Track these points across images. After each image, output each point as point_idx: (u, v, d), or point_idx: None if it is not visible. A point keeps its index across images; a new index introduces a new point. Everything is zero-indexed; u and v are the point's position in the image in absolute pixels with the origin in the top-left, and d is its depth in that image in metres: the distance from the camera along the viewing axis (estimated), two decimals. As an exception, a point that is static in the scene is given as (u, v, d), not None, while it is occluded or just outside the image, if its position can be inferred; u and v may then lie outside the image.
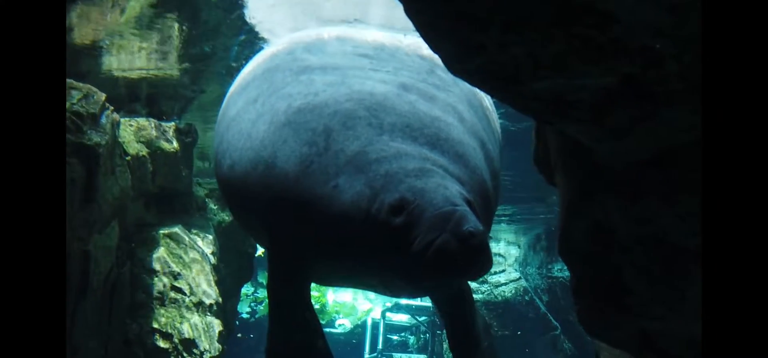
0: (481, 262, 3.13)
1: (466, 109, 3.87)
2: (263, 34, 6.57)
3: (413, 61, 3.90)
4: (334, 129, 3.41)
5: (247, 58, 5.22)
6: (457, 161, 3.43)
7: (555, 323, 15.94)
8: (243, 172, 3.68)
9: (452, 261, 3.07)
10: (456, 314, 4.15)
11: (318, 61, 3.85)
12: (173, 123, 7.22)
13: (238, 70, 4.91)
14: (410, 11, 2.33)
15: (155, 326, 5.88)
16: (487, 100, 4.47)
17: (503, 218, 14.58)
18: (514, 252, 18.36)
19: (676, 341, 3.09)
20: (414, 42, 4.19)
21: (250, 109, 3.80)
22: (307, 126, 3.46)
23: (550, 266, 15.74)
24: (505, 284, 15.56)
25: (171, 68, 7.12)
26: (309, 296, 3.87)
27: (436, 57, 3.87)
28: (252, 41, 6.64)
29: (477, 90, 4.20)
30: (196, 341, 5.84)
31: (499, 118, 4.79)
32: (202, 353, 5.86)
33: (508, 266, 16.72)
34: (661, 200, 2.68)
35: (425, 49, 4.00)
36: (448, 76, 3.94)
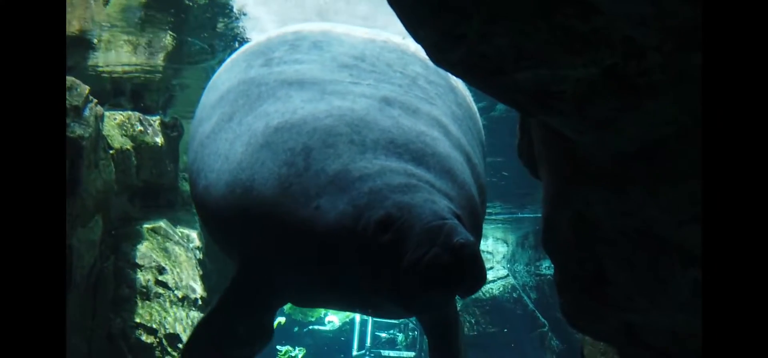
0: (474, 275, 3.01)
1: (451, 121, 3.75)
2: (250, 31, 6.55)
3: (395, 72, 3.75)
4: (313, 148, 3.28)
5: (230, 52, 5.17)
6: (443, 177, 3.33)
7: (543, 320, 15.97)
8: (220, 195, 3.53)
9: (444, 275, 2.95)
10: (442, 343, 4.01)
11: (295, 74, 3.69)
12: (158, 117, 7.18)
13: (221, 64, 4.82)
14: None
15: (139, 320, 5.83)
16: (473, 107, 4.33)
17: (491, 216, 14.59)
18: (502, 249, 18.38)
19: (660, 334, 3.08)
20: (396, 46, 3.98)
21: (226, 129, 3.63)
22: (285, 146, 3.33)
23: (538, 264, 15.79)
24: (493, 281, 15.57)
25: (156, 62, 7.08)
26: (271, 324, 3.75)
27: (418, 67, 3.85)
28: (239, 34, 6.61)
29: (462, 98, 4.09)
30: (181, 336, 5.80)
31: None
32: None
33: (496, 263, 16.75)
34: (644, 192, 2.67)
35: (408, 55, 3.93)
36: (431, 88, 3.82)
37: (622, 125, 2.58)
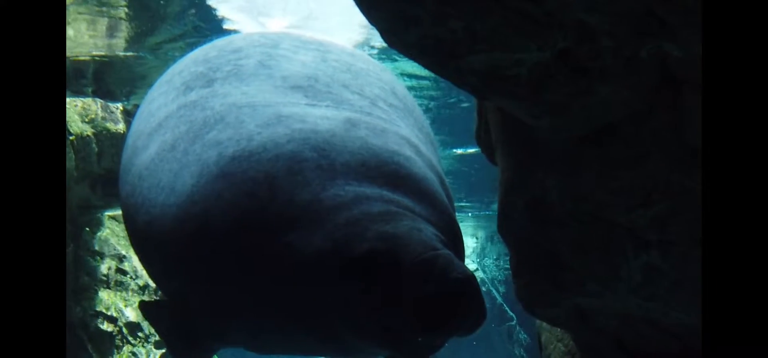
0: (477, 313, 2.68)
1: (420, 142, 3.44)
2: (211, 22, 6.51)
3: (352, 93, 3.42)
4: (277, 176, 2.92)
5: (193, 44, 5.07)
6: (423, 201, 3.01)
7: (511, 313, 16.12)
8: (167, 231, 3.15)
9: (444, 316, 2.63)
10: None
11: (244, 96, 3.30)
12: (121, 104, 7.10)
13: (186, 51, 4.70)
14: (344, -21, 2.30)
15: (99, 309, 5.76)
16: (430, 129, 3.99)
17: (461, 210, 14.67)
18: (471, 244, 18.50)
19: (612, 319, 3.12)
20: (348, 65, 3.64)
21: (169, 159, 3.24)
22: (245, 176, 2.96)
23: (507, 258, 15.89)
24: (462, 274, 15.62)
25: (119, 48, 7.00)
26: None
27: (375, 89, 3.60)
28: (204, 22, 6.57)
29: (420, 120, 3.82)
30: (141, 324, 5.75)
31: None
32: (147, 337, 5.77)
33: (466, 257, 16.81)
34: (597, 176, 2.70)
35: (362, 76, 3.63)
36: (392, 110, 3.44)
37: (575, 109, 2.60)
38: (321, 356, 3.25)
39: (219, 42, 3.89)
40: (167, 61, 6.93)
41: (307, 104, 3.28)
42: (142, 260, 3.74)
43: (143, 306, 3.70)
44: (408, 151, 3.17)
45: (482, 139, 3.36)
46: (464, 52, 2.49)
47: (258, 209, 2.92)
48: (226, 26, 6.85)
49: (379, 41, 7.03)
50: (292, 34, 3.95)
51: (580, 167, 2.74)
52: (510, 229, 2.98)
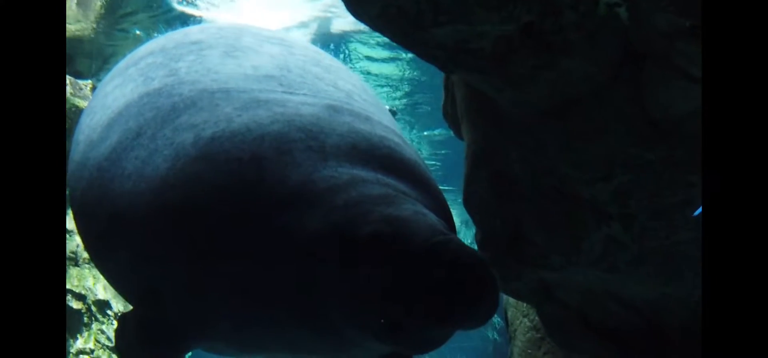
0: (492, 300, 2.46)
1: (399, 132, 3.29)
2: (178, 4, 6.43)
3: (327, 85, 3.26)
4: (265, 156, 2.75)
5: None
6: (417, 186, 2.84)
7: (484, 296, 16.13)
8: (137, 220, 2.96)
9: (456, 303, 2.41)
10: None
11: (215, 83, 3.13)
12: (90, 81, 7.01)
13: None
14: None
15: (68, 286, 5.71)
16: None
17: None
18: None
19: (574, 292, 3.16)
20: (316, 60, 3.43)
21: (134, 146, 3.06)
22: (229, 156, 2.79)
23: (481, 241, 15.92)
24: (436, 257, 15.67)
25: (88, 25, 6.90)
26: None
27: (348, 85, 3.48)
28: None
29: (391, 118, 3.71)
30: (110, 302, 5.71)
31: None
32: (115, 315, 5.72)
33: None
34: (559, 150, 2.73)
35: (333, 71, 3.50)
36: (366, 104, 3.37)
37: (539, 83, 2.62)
38: (312, 354, 3.01)
39: (173, 35, 3.66)
40: (137, 40, 6.87)
41: (283, 92, 3.09)
42: (100, 262, 3.44)
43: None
44: (396, 138, 3.03)
45: (449, 113, 3.38)
46: (429, 24, 2.50)
47: (245, 191, 2.74)
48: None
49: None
50: (251, 27, 3.75)
51: (543, 141, 2.76)
52: (474, 202, 3.00)
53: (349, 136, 2.84)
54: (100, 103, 3.40)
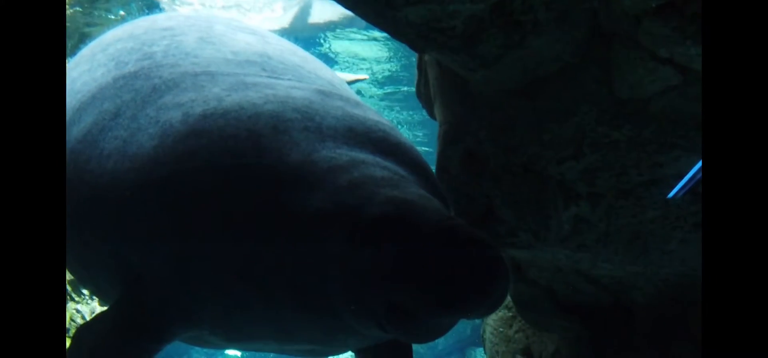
0: (505, 286, 2.37)
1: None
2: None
3: (309, 73, 3.17)
4: (262, 134, 2.64)
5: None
6: (415, 171, 2.76)
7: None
8: (120, 200, 2.85)
9: (469, 289, 2.31)
10: None
11: (196, 66, 3.01)
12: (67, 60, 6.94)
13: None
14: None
15: (42, 266, 5.67)
16: None
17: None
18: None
19: (545, 271, 3.20)
20: (292, 50, 3.37)
21: (112, 126, 2.95)
22: (223, 133, 2.67)
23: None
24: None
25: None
26: None
27: (327, 74, 3.41)
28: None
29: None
30: (85, 282, 5.68)
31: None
32: (91, 295, 5.70)
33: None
34: (529, 129, 2.76)
35: (310, 62, 3.34)
36: (349, 95, 3.14)
37: (508, 62, 2.64)
38: (302, 343, 2.91)
39: (140, 22, 3.54)
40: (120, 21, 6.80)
41: (268, 77, 2.98)
42: (73, 252, 3.14)
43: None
44: (388, 123, 2.96)
45: (422, 93, 3.40)
46: (401, 3, 2.51)
47: (243, 166, 2.63)
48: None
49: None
50: (221, 17, 3.63)
51: (513, 120, 2.79)
52: (446, 181, 3.02)
53: (345, 120, 2.77)
54: (68, 89, 3.28)
